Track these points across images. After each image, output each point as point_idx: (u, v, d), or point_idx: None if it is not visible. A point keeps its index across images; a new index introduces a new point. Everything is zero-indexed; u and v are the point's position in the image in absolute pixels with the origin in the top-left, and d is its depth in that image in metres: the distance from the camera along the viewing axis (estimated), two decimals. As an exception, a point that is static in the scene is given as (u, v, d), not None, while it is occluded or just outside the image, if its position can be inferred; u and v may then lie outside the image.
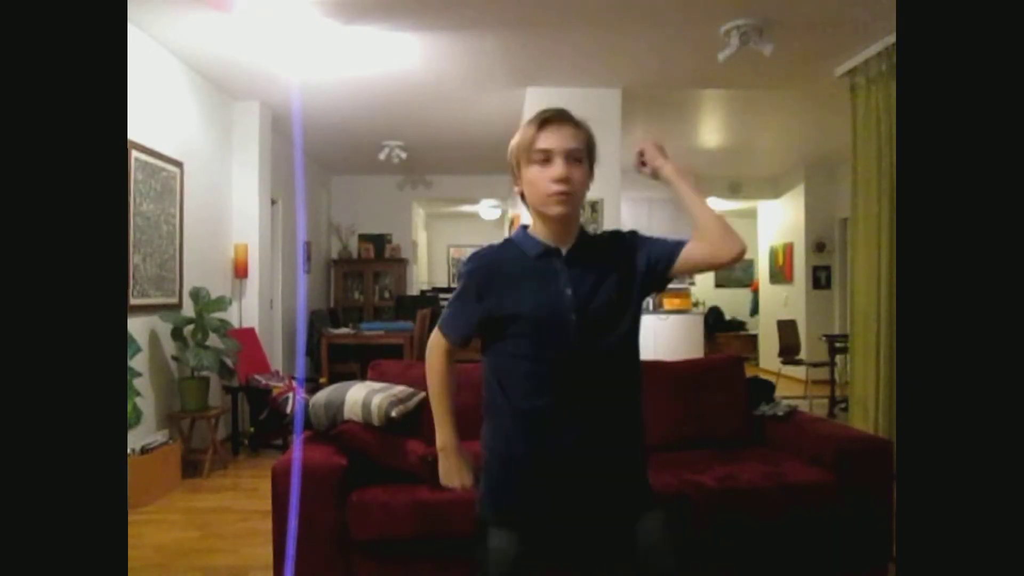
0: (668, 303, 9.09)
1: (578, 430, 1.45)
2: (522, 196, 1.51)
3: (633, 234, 1.58)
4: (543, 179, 1.42)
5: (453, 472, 1.63)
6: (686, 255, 1.48)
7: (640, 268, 1.50)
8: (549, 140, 1.42)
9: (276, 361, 6.16)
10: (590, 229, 1.69)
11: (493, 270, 1.50)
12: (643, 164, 1.58)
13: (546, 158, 1.42)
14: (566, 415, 1.45)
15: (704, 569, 2.50)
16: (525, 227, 1.55)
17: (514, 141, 1.49)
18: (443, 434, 1.63)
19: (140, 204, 4.21)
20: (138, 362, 4.11)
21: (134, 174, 4.13)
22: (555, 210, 1.43)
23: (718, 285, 12.06)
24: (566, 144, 1.42)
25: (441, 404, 1.62)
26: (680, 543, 1.50)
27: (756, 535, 2.61)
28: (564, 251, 1.49)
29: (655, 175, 1.55)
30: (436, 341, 1.62)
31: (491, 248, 1.57)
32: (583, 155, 1.45)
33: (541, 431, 1.46)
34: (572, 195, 1.42)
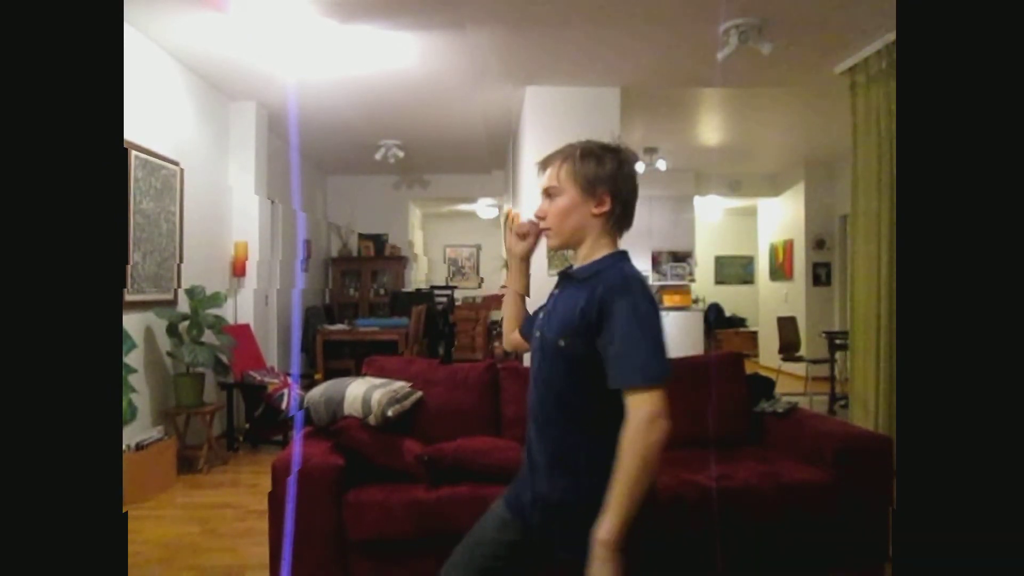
0: (668, 300, 9.07)
1: (536, 450, 1.51)
2: None
3: (619, 294, 1.37)
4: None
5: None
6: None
7: (591, 327, 1.39)
8: (545, 179, 1.55)
9: (271, 357, 6.15)
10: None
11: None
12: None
13: (545, 195, 1.57)
14: (532, 430, 1.53)
15: (700, 568, 2.49)
16: None
17: None
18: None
19: (140, 202, 4.21)
20: (133, 358, 4.11)
21: (134, 172, 4.12)
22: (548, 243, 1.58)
23: (719, 282, 12.07)
24: (541, 185, 1.57)
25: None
26: None
27: (751, 534, 2.60)
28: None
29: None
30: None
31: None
32: (560, 190, 1.51)
33: (527, 439, 1.57)
34: (549, 228, 1.54)
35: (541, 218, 1.55)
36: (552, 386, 1.46)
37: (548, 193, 1.54)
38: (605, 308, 1.36)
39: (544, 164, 1.55)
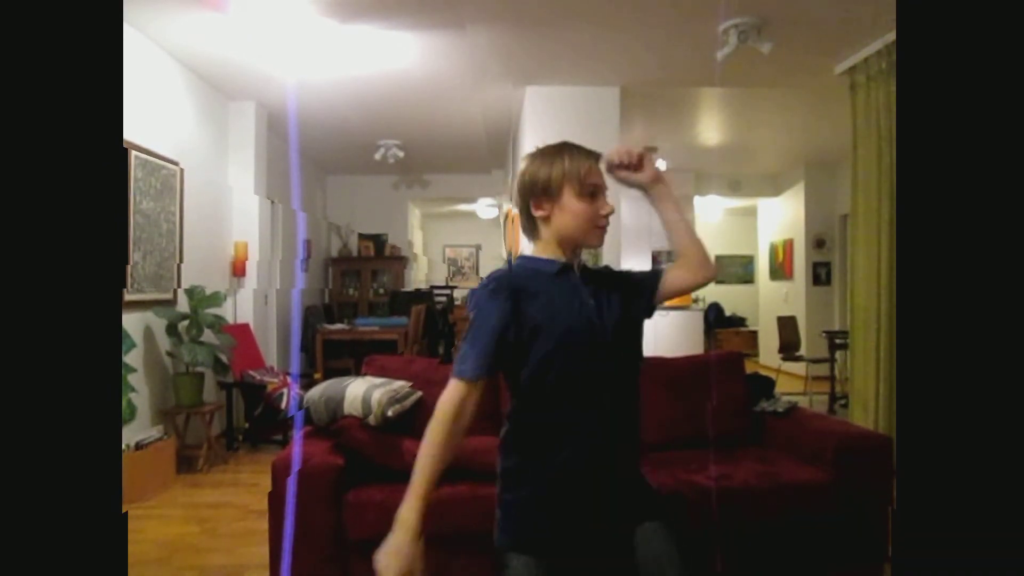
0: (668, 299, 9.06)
1: (602, 441, 1.48)
2: (542, 219, 1.48)
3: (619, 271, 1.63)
4: (593, 211, 1.46)
5: (401, 556, 1.38)
6: (669, 281, 1.57)
7: (634, 291, 1.55)
8: (598, 176, 1.47)
9: (271, 357, 6.16)
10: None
11: (516, 286, 1.43)
12: (626, 168, 1.52)
13: (595, 192, 1.46)
14: (596, 427, 1.46)
15: (700, 568, 2.49)
16: (524, 256, 1.54)
17: (560, 168, 1.44)
18: (409, 506, 1.41)
19: (140, 202, 4.20)
20: (132, 358, 4.10)
21: (134, 172, 4.12)
22: (596, 241, 1.49)
23: (719, 282, 12.04)
24: (599, 181, 1.48)
25: (428, 463, 1.45)
26: (685, 556, 1.53)
27: (751, 534, 2.60)
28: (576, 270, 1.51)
29: (641, 185, 1.55)
30: (449, 393, 1.51)
31: (504, 271, 1.48)
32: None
33: (571, 444, 1.47)
34: (607, 225, 1.51)
35: (610, 214, 1.49)
36: (630, 364, 1.53)
37: (601, 191, 1.48)
38: (631, 275, 1.61)
39: (596, 159, 1.49)
